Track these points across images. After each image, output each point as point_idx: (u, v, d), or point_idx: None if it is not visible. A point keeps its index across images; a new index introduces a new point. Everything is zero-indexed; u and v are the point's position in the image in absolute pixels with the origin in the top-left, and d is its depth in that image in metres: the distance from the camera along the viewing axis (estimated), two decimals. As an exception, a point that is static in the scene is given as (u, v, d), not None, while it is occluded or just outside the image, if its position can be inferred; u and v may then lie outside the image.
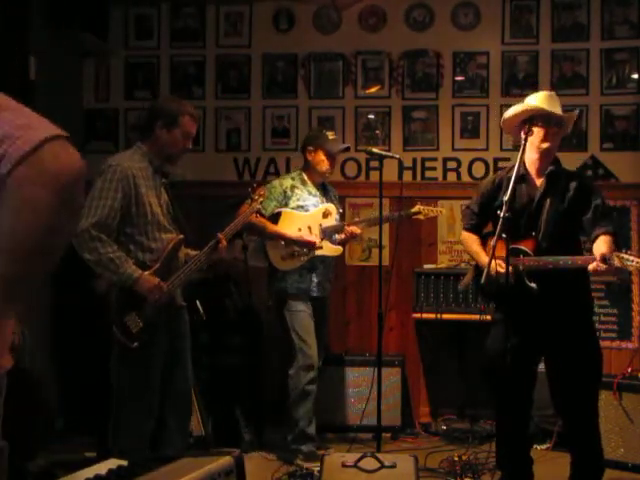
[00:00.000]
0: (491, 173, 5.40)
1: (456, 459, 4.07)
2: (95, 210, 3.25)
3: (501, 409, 3.63)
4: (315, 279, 4.44)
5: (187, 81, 5.65)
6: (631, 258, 3.20)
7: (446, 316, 5.05)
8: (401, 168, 4.98)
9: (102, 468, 1.42)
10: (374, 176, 5.33)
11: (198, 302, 4.41)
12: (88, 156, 5.68)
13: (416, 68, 5.53)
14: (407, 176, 5.38)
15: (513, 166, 3.42)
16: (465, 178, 5.48)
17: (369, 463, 3.31)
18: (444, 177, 5.51)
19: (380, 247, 4.15)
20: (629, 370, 4.33)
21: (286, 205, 4.43)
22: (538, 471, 3.69)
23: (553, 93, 3.61)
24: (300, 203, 4.43)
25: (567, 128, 3.61)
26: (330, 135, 4.49)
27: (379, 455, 3.39)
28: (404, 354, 5.26)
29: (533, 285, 3.41)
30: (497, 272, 3.37)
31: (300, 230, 4.39)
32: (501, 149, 5.43)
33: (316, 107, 5.58)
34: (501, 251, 3.33)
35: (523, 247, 3.47)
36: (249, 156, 5.62)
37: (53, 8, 4.93)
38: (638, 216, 5.23)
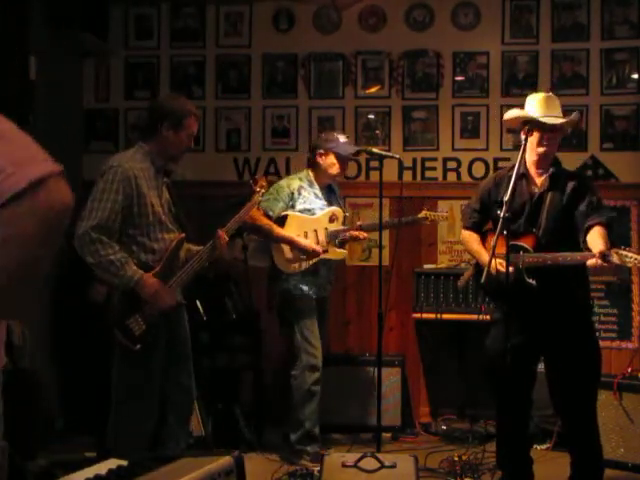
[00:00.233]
0: (491, 173, 5.40)
1: (456, 459, 4.07)
2: (96, 212, 3.24)
3: (501, 409, 3.64)
4: (318, 281, 4.44)
5: (187, 81, 5.65)
6: (630, 255, 3.21)
7: (446, 316, 5.05)
8: (401, 168, 4.98)
9: (102, 468, 1.42)
10: (374, 176, 5.33)
11: (198, 302, 4.42)
12: (88, 156, 5.69)
13: (416, 68, 5.53)
14: (407, 176, 5.38)
15: (513, 165, 3.43)
16: (465, 178, 5.48)
17: (369, 463, 3.32)
18: (444, 177, 5.51)
19: (380, 247, 4.15)
20: (629, 370, 4.33)
21: (293, 207, 4.40)
22: (538, 471, 3.69)
23: (551, 94, 3.61)
24: (307, 206, 4.41)
25: (566, 130, 3.62)
26: (342, 138, 4.45)
27: (379, 455, 3.39)
28: (404, 354, 5.26)
29: (532, 282, 3.42)
30: (497, 270, 3.37)
31: (306, 234, 4.37)
32: (501, 149, 5.43)
33: (316, 107, 5.58)
34: (501, 248, 3.34)
35: (523, 244, 3.48)
36: (249, 156, 5.62)
37: (53, 8, 4.93)
38: (638, 216, 5.23)
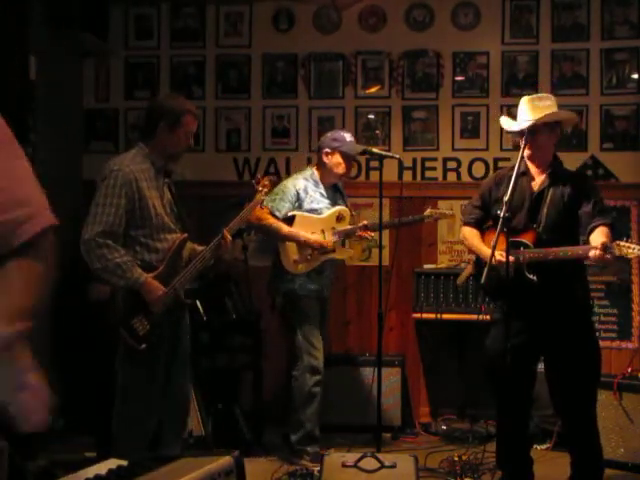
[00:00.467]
0: (491, 173, 5.40)
1: (456, 459, 4.07)
2: (100, 217, 3.25)
3: (501, 409, 3.64)
4: (322, 281, 4.44)
5: (187, 81, 5.65)
6: (632, 246, 3.22)
7: (446, 316, 5.05)
8: (401, 168, 4.98)
9: (102, 468, 1.42)
10: (374, 176, 5.33)
11: (198, 302, 4.42)
12: (88, 156, 5.70)
13: (416, 68, 5.53)
14: (407, 176, 5.38)
15: (514, 165, 3.45)
16: (465, 178, 5.48)
17: (369, 463, 3.32)
18: (444, 177, 5.51)
19: (380, 247, 4.15)
20: (629, 370, 4.33)
21: (299, 207, 4.40)
22: (538, 471, 3.69)
23: (538, 95, 3.67)
24: (314, 206, 4.40)
25: (565, 126, 3.64)
26: (348, 137, 4.44)
27: (379, 455, 3.39)
28: (404, 354, 5.26)
29: (533, 277, 3.43)
30: (499, 262, 3.38)
31: (313, 233, 4.37)
32: (501, 149, 5.43)
33: (316, 107, 5.58)
34: (501, 244, 3.36)
35: (523, 240, 3.50)
36: (249, 156, 5.62)
37: (53, 8, 4.93)
38: (638, 216, 5.23)
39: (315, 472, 3.76)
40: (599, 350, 3.59)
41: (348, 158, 4.42)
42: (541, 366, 3.66)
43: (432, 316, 5.07)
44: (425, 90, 5.52)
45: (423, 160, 5.51)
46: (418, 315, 5.13)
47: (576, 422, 3.57)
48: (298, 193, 4.39)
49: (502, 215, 3.29)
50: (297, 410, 4.35)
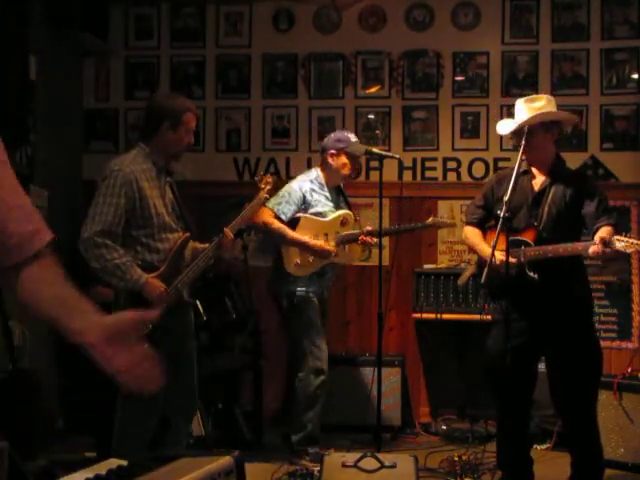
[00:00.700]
0: (491, 173, 5.41)
1: (456, 459, 4.07)
2: (99, 216, 3.25)
3: (502, 409, 3.64)
4: (323, 283, 4.45)
5: (187, 81, 5.65)
6: (631, 240, 3.23)
7: (446, 316, 5.05)
8: (401, 168, 4.97)
9: (102, 468, 1.41)
10: (374, 176, 5.33)
11: (198, 302, 4.41)
12: (88, 156, 5.68)
13: (416, 68, 5.53)
14: (407, 176, 5.38)
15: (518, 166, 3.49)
16: (465, 178, 5.48)
17: (369, 463, 3.32)
18: (444, 177, 5.51)
19: (380, 247, 4.15)
20: (629, 370, 4.33)
21: (305, 210, 4.39)
22: (538, 471, 3.69)
23: (535, 96, 3.70)
24: (319, 209, 4.40)
25: (565, 126, 3.66)
26: (353, 137, 4.43)
27: (379, 455, 3.39)
28: (404, 354, 5.26)
29: (534, 275, 3.43)
30: (501, 261, 3.39)
31: (317, 237, 4.37)
32: (501, 149, 5.43)
33: (316, 107, 5.59)
34: (502, 244, 3.37)
35: (524, 238, 3.51)
36: (249, 156, 5.62)
37: (53, 8, 4.93)
38: (638, 216, 5.24)
39: (315, 472, 3.76)
40: (600, 349, 3.60)
41: (354, 159, 4.42)
42: (541, 366, 3.66)
43: (432, 316, 5.08)
44: (425, 90, 5.53)
45: (423, 160, 5.51)
46: (418, 315, 5.13)
47: (577, 422, 3.58)
48: (304, 196, 4.38)
49: (502, 215, 3.31)
50: (300, 412, 4.35)
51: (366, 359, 4.98)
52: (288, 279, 4.37)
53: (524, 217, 3.55)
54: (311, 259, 4.35)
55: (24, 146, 4.61)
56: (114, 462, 1.45)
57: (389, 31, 5.54)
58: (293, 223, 4.37)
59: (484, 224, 3.76)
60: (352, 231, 4.46)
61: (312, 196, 4.40)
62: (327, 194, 4.46)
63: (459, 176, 5.50)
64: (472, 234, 3.76)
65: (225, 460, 1.45)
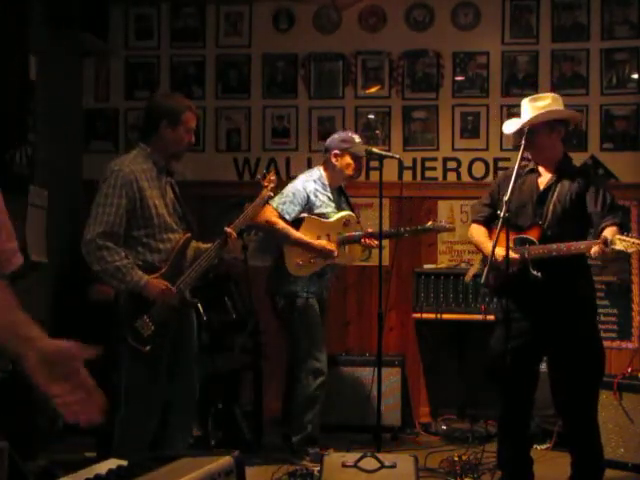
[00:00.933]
0: (491, 173, 5.42)
1: (456, 459, 4.07)
2: (101, 217, 3.25)
3: (503, 409, 3.63)
4: (323, 283, 4.45)
5: (187, 81, 5.65)
6: (632, 240, 3.22)
7: (446, 316, 5.05)
8: (401, 168, 4.97)
9: (102, 468, 1.42)
10: (374, 176, 5.33)
11: (198, 302, 4.41)
12: (88, 156, 5.67)
13: (416, 68, 5.53)
14: (407, 176, 5.38)
15: (525, 165, 3.52)
16: (465, 178, 5.48)
17: (369, 463, 3.31)
18: (444, 177, 5.51)
19: (380, 247, 4.15)
20: (629, 370, 4.33)
21: (309, 210, 4.38)
22: (538, 471, 3.69)
23: (540, 95, 3.70)
24: (322, 210, 4.40)
25: (572, 123, 3.68)
26: (357, 138, 4.43)
27: (379, 455, 3.39)
28: (404, 354, 5.25)
29: (537, 274, 3.43)
30: (503, 257, 3.39)
31: (319, 238, 4.37)
32: (501, 149, 5.43)
33: (316, 107, 5.59)
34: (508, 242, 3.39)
35: (529, 236, 3.51)
36: (249, 156, 5.62)
37: (53, 8, 4.93)
38: (638, 216, 5.24)
39: (315, 472, 3.76)
40: (603, 349, 3.59)
41: (358, 159, 4.42)
42: (543, 366, 3.66)
43: (432, 316, 5.07)
44: (425, 90, 5.53)
45: (423, 160, 5.51)
46: (418, 315, 5.13)
47: (578, 422, 3.57)
48: (308, 196, 4.38)
49: (502, 215, 3.31)
50: (299, 412, 4.35)
51: (366, 359, 4.98)
52: (288, 279, 4.36)
53: (529, 215, 3.56)
54: (313, 260, 4.35)
55: (24, 146, 4.61)
56: (114, 462, 1.45)
57: (389, 31, 5.54)
58: (296, 223, 4.37)
59: (490, 222, 3.76)
60: (354, 232, 4.46)
61: (316, 197, 4.40)
62: (330, 195, 4.46)
63: (459, 176, 5.49)
64: (477, 232, 3.76)
65: (225, 460, 1.46)
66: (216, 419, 4.56)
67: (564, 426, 3.79)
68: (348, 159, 4.40)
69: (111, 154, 4.96)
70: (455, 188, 5.43)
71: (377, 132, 5.56)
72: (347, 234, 4.44)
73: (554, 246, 3.43)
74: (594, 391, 3.60)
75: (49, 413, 4.59)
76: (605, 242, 3.25)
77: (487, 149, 5.46)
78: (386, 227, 4.79)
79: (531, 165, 3.61)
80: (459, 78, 5.51)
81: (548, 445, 4.55)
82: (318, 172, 4.49)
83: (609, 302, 5.22)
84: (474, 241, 3.80)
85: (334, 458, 3.43)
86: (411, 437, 4.96)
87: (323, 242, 4.35)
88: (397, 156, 4.44)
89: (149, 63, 5.69)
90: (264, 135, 5.62)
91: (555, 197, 3.52)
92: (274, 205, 4.31)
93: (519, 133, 3.52)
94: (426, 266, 5.27)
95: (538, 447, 4.47)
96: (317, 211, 4.40)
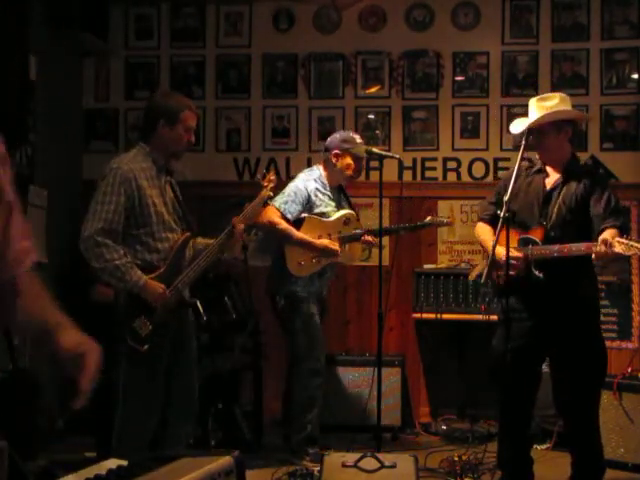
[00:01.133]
0: (491, 173, 5.42)
1: (456, 459, 4.07)
2: (100, 214, 3.25)
3: (504, 409, 3.63)
4: (322, 282, 4.45)
5: (187, 81, 5.65)
6: (631, 243, 3.22)
7: (446, 316, 5.05)
8: (401, 168, 4.98)
9: (102, 468, 1.42)
10: (374, 176, 5.32)
11: (198, 302, 4.41)
12: (88, 156, 5.66)
13: (416, 68, 5.53)
14: (407, 176, 5.38)
15: (532, 164, 3.54)
16: (465, 178, 5.48)
17: (369, 463, 3.31)
18: (444, 177, 5.51)
19: (380, 247, 4.15)
20: (629, 370, 4.34)
21: (309, 209, 4.38)
22: (538, 471, 3.69)
23: (548, 95, 3.69)
24: (323, 209, 4.40)
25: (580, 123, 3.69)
26: (358, 138, 4.43)
27: (379, 455, 3.39)
28: (404, 354, 5.26)
29: (539, 274, 3.43)
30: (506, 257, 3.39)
31: (320, 237, 4.37)
32: (501, 149, 5.43)
33: (316, 107, 5.59)
34: (513, 241, 3.41)
35: (532, 236, 3.52)
36: (249, 156, 5.62)
37: (53, 8, 4.93)
38: (638, 216, 5.24)
39: (315, 472, 3.76)
40: (605, 350, 3.58)
41: (358, 160, 4.42)
42: (543, 366, 3.66)
43: (432, 316, 5.07)
44: (425, 90, 5.53)
45: (423, 160, 5.52)
46: (418, 315, 5.13)
47: (578, 422, 3.57)
48: (309, 196, 4.38)
49: (502, 215, 3.32)
50: (299, 413, 4.35)
51: (366, 359, 4.98)
52: (289, 279, 4.36)
53: (535, 215, 3.56)
54: (314, 259, 4.35)
55: (24, 146, 4.61)
56: (114, 462, 1.45)
57: (389, 31, 5.54)
58: (297, 223, 4.37)
59: (496, 221, 3.75)
60: (354, 231, 4.47)
61: (316, 196, 4.40)
62: (329, 194, 4.46)
63: (459, 176, 5.49)
64: (482, 231, 3.76)
65: (225, 460, 1.46)
66: (216, 419, 4.56)
67: (565, 426, 3.79)
68: (349, 159, 4.40)
69: (111, 154, 4.95)
70: (455, 188, 5.43)
71: (377, 132, 5.56)
72: (348, 232, 4.44)
73: (555, 247, 3.43)
74: (596, 391, 3.61)
75: (49, 413, 4.59)
76: (605, 243, 3.25)
77: (487, 149, 5.46)
78: (393, 233, 4.79)
79: (538, 165, 3.61)
80: (459, 78, 5.51)
81: (548, 445, 4.55)
82: (318, 171, 4.49)
83: (609, 302, 5.22)
84: (479, 240, 3.81)
85: (334, 458, 3.43)
86: (411, 437, 4.97)
87: (325, 241, 4.36)
88: (397, 156, 4.44)
89: (149, 63, 5.69)
90: (264, 135, 5.62)
91: (560, 198, 3.52)
92: (276, 205, 4.31)
93: (526, 132, 3.51)
94: (426, 266, 5.27)
95: (538, 447, 4.47)
96: (317, 210, 4.40)
